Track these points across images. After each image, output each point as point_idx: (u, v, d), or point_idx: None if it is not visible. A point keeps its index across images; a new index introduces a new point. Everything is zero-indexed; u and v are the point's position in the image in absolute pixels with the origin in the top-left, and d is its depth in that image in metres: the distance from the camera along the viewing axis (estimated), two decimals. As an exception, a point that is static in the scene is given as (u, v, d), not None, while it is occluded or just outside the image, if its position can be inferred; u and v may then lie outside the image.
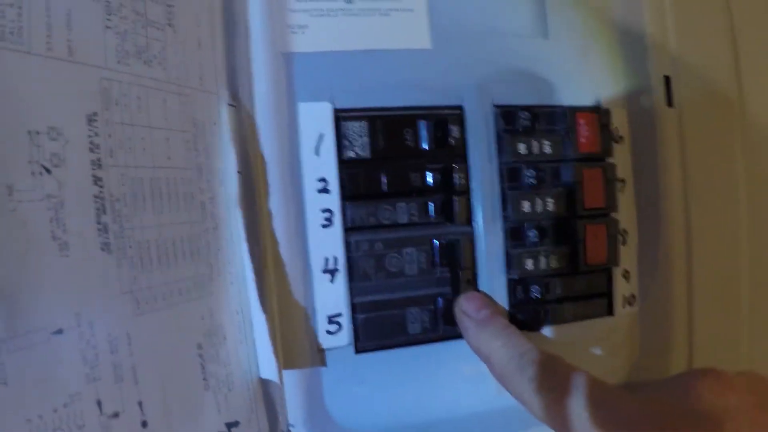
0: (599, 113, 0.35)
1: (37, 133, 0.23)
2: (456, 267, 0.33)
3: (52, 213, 0.23)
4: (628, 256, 0.36)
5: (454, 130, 0.33)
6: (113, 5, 0.26)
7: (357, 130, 0.32)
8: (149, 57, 0.27)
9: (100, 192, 0.24)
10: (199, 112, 0.29)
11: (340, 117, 0.32)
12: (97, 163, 0.24)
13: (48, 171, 0.23)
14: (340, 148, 0.32)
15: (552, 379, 0.28)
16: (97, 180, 0.24)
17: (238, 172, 0.30)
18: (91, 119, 0.24)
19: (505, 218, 0.34)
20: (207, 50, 0.30)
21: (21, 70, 0.22)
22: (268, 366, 0.29)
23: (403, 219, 0.32)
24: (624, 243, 0.36)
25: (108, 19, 0.26)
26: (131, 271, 0.25)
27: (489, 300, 0.33)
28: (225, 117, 0.30)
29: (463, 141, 0.33)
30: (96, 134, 0.25)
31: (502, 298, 0.33)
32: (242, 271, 0.30)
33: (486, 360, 0.30)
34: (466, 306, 0.32)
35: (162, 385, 0.25)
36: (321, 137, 0.32)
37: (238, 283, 0.29)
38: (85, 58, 0.25)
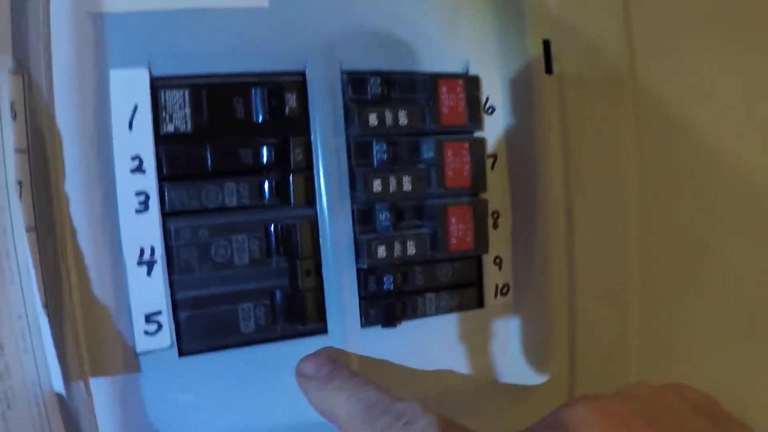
0: (466, 80, 0.31)
1: None
2: (294, 256, 0.29)
3: None
4: (500, 242, 0.32)
5: (292, 99, 0.29)
6: None
7: (177, 100, 0.28)
8: None
9: None
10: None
11: (158, 85, 0.27)
12: None
13: None
14: (157, 121, 0.27)
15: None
16: None
17: (20, 150, 0.25)
18: None
19: (354, 199, 0.30)
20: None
21: None
22: (56, 377, 0.25)
23: (232, 202, 0.28)
24: (495, 227, 0.32)
25: None
26: None
27: (332, 354, 0.28)
28: (4, 88, 0.25)
29: (304, 111, 0.29)
30: None
31: (351, 291, 0.29)
32: (27, 268, 0.25)
33: (333, 420, 0.26)
34: (304, 368, 0.28)
35: None
36: (135, 109, 0.27)
37: (19, 283, 0.25)
38: None
